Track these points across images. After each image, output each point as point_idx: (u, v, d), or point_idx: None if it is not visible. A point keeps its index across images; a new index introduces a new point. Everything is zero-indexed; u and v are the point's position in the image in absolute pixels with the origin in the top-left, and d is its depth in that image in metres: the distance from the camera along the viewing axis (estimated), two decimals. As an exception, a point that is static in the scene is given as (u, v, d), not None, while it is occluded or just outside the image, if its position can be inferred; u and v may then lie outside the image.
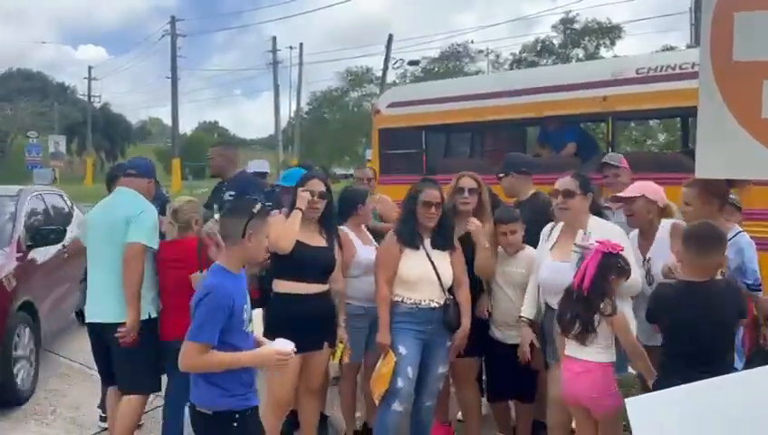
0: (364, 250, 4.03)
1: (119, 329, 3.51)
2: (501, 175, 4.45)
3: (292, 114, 40.90)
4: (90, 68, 50.45)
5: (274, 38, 39.35)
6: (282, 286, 3.58)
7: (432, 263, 3.61)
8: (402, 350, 3.54)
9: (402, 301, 3.62)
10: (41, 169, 44.63)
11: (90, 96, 50.37)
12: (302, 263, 3.51)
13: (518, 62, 28.80)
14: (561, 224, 3.51)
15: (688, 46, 17.72)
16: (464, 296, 3.69)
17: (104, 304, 3.61)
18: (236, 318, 2.59)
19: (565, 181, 3.38)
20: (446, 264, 3.65)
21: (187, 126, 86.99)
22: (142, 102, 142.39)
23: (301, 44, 35.73)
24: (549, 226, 3.63)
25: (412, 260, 3.62)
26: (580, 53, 27.59)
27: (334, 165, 47.04)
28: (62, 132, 50.23)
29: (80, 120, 57.27)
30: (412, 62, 29.28)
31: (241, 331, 2.63)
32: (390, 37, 26.17)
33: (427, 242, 3.66)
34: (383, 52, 27.05)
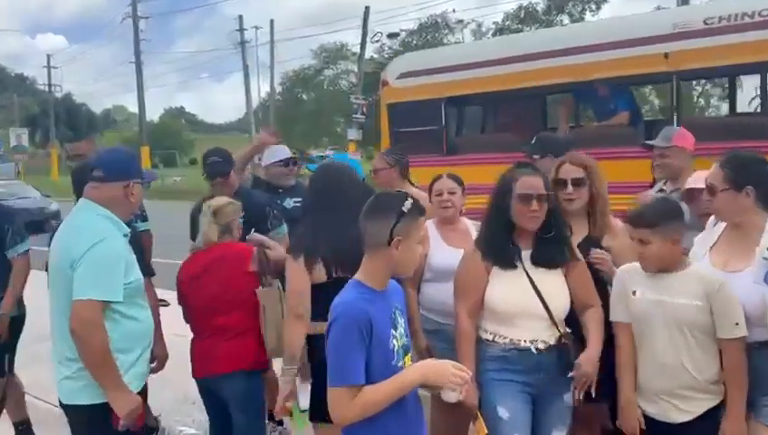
0: (441, 252, 3.07)
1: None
2: (536, 156, 3.65)
3: (263, 96, 39.38)
4: (48, 57, 48.04)
5: (241, 17, 37.64)
6: None
7: (535, 287, 2.51)
8: (503, 413, 2.46)
9: (493, 340, 2.55)
10: (2, 164, 42.80)
11: (50, 86, 48.06)
12: None
13: (500, 31, 27.72)
14: (722, 224, 2.51)
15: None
16: (595, 319, 2.60)
17: (61, 382, 2.44)
18: (379, 348, 1.94)
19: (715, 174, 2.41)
20: (557, 286, 2.56)
21: (153, 112, 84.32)
22: (106, 90, 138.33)
23: (272, 21, 34.13)
24: (710, 221, 2.62)
25: (505, 283, 2.53)
26: (565, 18, 26.62)
27: (311, 147, 45.90)
28: (23, 125, 47.98)
29: (41, 112, 54.94)
30: (391, 35, 28.01)
31: (388, 366, 1.96)
32: (367, 10, 24.82)
33: (527, 255, 2.56)
34: (356, 27, 25.69)
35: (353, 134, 23.64)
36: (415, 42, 30.00)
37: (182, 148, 70.84)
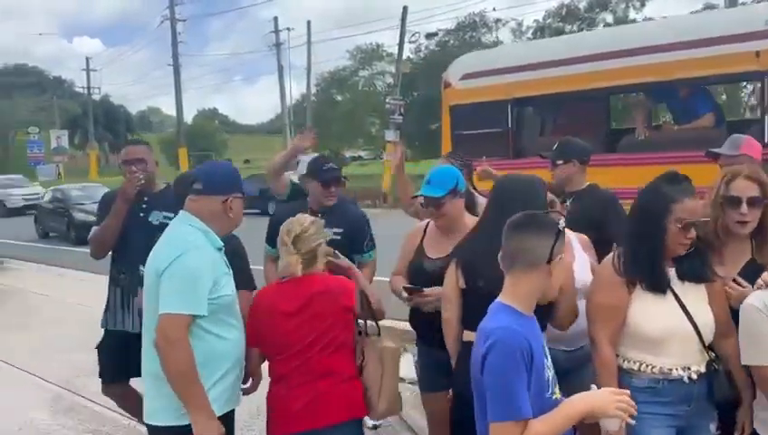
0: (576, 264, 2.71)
1: None
2: (560, 161, 3.45)
3: (298, 97, 39.49)
4: (87, 59, 48.86)
5: (276, 18, 37.78)
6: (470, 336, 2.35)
7: (683, 307, 2.27)
8: None
9: (639, 369, 2.32)
10: (44, 166, 43.76)
11: (89, 88, 48.88)
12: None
13: (541, 30, 27.26)
14: None
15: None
16: (733, 350, 2.34)
17: (147, 401, 2.35)
18: (536, 379, 1.79)
19: None
20: (703, 305, 2.32)
21: (187, 114, 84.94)
22: (141, 93, 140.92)
23: (308, 22, 34.17)
24: None
25: (652, 305, 2.29)
26: (608, 16, 26.06)
27: (346, 148, 45.84)
28: (63, 127, 49.02)
29: (80, 114, 56.01)
30: (429, 35, 27.80)
31: (542, 397, 1.81)
32: (405, 9, 24.63)
33: (673, 273, 2.32)
34: (390, 28, 25.55)
35: (390, 135, 23.49)
36: (452, 41, 29.73)
37: (216, 149, 71.69)
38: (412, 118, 26.45)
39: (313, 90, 37.34)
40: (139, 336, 2.94)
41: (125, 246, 3.24)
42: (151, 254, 2.33)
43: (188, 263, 2.18)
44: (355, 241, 3.30)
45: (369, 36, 68.33)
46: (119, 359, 3.26)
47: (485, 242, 2.32)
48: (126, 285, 3.25)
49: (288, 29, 36.98)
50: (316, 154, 3.95)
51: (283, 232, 2.50)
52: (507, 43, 27.96)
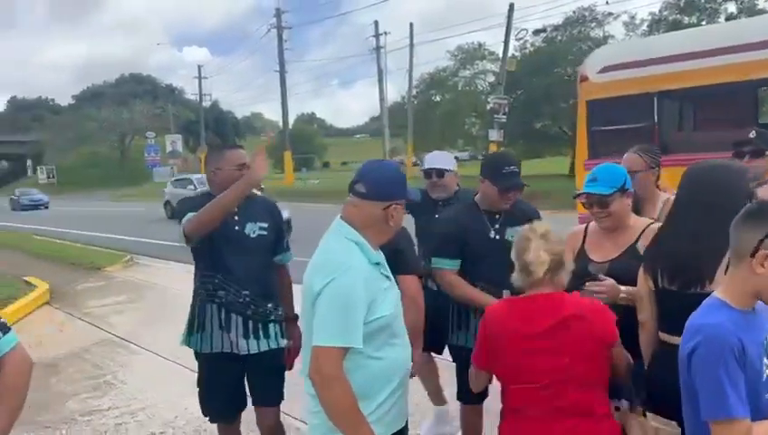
0: None
1: None
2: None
3: (395, 99, 39.63)
4: (200, 67, 51.58)
5: (376, 22, 38.20)
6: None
7: None
8: None
9: None
10: (160, 168, 46.66)
11: (201, 95, 51.59)
12: None
13: (658, 23, 25.81)
14: None
15: None
16: None
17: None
18: (750, 379, 1.69)
19: None
20: None
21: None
22: (244, 99, 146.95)
23: (411, 24, 34.37)
24: None
25: None
26: (730, 6, 24.32)
27: (446, 149, 45.62)
28: (176, 132, 51.98)
29: (192, 119, 59.18)
30: (537, 31, 27.03)
31: (759, 399, 1.71)
32: (512, 6, 24.14)
33: None
34: (488, 27, 25.05)
35: (494, 135, 23.07)
36: (560, 37, 28.79)
37: (316, 152, 73.61)
38: (515, 117, 25.84)
39: (413, 91, 37.44)
40: (245, 358, 2.91)
41: (219, 259, 2.86)
42: (310, 267, 2.11)
43: (341, 289, 1.96)
44: None
45: (466, 37, 67.75)
46: (226, 393, 3.01)
47: (682, 240, 2.17)
48: (227, 304, 2.87)
49: (385, 33, 37.37)
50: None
51: (522, 238, 2.19)
52: (619, 38, 26.78)
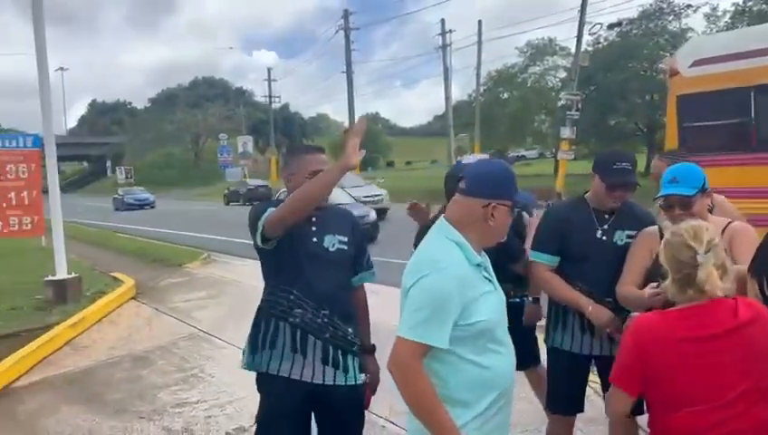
0: None
1: None
2: None
3: (460, 98, 39.24)
4: (269, 70, 52.80)
5: (443, 20, 37.97)
6: None
7: None
8: None
9: None
10: (232, 169, 48.11)
11: (270, 97, 52.79)
12: None
13: (741, 14, 24.50)
14: None
15: None
16: None
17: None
18: None
19: None
20: None
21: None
22: (309, 101, 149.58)
23: (479, 21, 33.95)
24: None
25: None
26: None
27: (514, 147, 44.93)
28: (247, 133, 53.44)
29: (260, 121, 60.67)
30: (612, 26, 26.12)
31: None
32: (585, 0, 23.44)
33: None
34: (562, 22, 24.30)
35: (566, 132, 22.47)
36: (635, 31, 27.80)
37: (380, 151, 73.98)
38: (588, 113, 25.11)
39: (475, 89, 37.03)
40: (318, 390, 2.50)
41: (296, 273, 2.51)
42: (406, 268, 2.05)
43: (431, 286, 1.89)
44: None
45: (533, 33, 66.24)
46: (292, 429, 2.56)
47: None
48: (304, 324, 2.50)
49: (449, 31, 37.10)
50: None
51: (685, 240, 1.96)
52: (699, 31, 25.60)
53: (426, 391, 1.87)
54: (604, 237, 2.85)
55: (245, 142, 47.73)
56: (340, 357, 2.54)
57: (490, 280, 2.03)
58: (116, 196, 38.89)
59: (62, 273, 8.09)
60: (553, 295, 2.95)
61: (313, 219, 2.54)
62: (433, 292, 1.88)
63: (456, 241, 1.98)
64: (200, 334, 6.82)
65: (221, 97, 78.85)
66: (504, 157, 43.62)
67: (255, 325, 2.60)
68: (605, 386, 2.74)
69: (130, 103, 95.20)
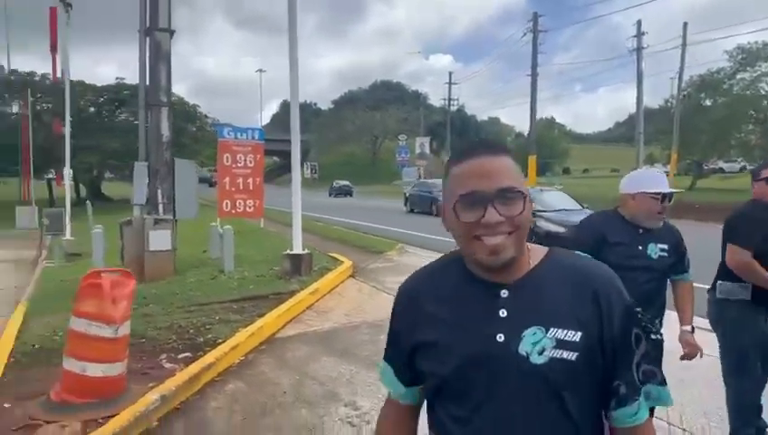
0: None
1: None
2: None
3: (649, 103, 36.77)
4: (450, 74, 53.74)
5: (639, 21, 35.76)
6: None
7: None
8: None
9: None
10: (408, 169, 49.59)
11: (449, 100, 53.73)
12: None
13: None
14: None
15: None
16: None
17: None
18: None
19: None
20: None
21: (524, 124, 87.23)
22: (481, 105, 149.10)
23: (685, 24, 31.72)
24: None
25: None
26: None
27: (715, 158, 41.24)
28: (424, 134, 54.79)
29: (436, 123, 61.90)
30: None
31: None
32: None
33: None
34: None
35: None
36: None
37: (557, 157, 71.96)
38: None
39: (680, 94, 34.55)
40: None
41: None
42: None
43: None
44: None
45: (739, 38, 60.19)
46: None
47: None
48: None
49: (642, 34, 34.93)
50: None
51: None
52: None
53: None
54: None
55: (423, 143, 48.93)
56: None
57: None
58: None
59: (297, 248, 9.11)
60: (757, 281, 3.13)
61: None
62: None
63: None
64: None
65: (398, 99, 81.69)
66: (701, 169, 40.24)
67: None
68: None
69: (315, 104, 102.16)
